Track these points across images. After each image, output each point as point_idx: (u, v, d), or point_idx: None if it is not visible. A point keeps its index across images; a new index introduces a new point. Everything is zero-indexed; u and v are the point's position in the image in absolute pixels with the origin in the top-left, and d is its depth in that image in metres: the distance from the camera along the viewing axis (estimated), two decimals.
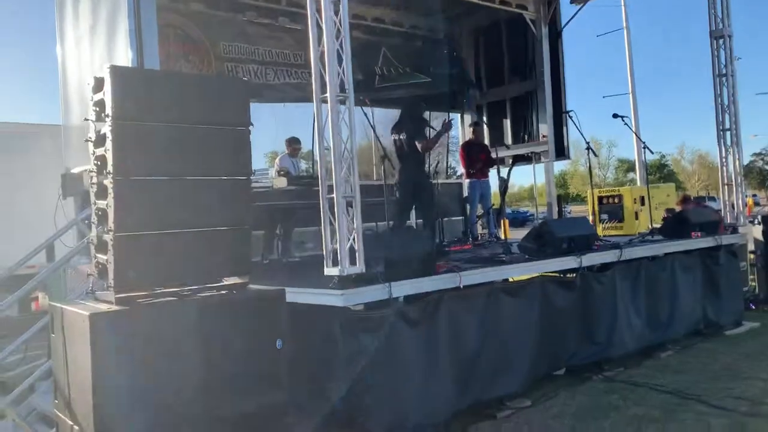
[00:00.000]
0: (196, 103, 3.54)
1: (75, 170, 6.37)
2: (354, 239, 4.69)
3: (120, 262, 3.24)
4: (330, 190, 4.67)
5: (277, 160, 8.39)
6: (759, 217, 9.29)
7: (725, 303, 7.86)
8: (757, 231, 9.16)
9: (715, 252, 7.86)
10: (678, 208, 8.66)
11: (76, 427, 3.29)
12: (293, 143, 8.44)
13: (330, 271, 4.71)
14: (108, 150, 3.28)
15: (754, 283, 9.38)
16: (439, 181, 9.68)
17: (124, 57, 5.77)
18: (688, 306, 7.44)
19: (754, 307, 8.92)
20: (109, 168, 3.27)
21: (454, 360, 5.16)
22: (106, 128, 3.30)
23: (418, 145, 7.26)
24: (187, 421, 3.26)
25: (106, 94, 3.29)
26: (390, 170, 6.86)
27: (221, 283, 3.65)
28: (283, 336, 3.68)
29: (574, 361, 6.23)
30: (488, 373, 5.39)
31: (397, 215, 7.39)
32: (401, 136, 7.37)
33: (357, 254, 4.70)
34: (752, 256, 9.32)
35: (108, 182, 3.29)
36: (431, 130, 7.89)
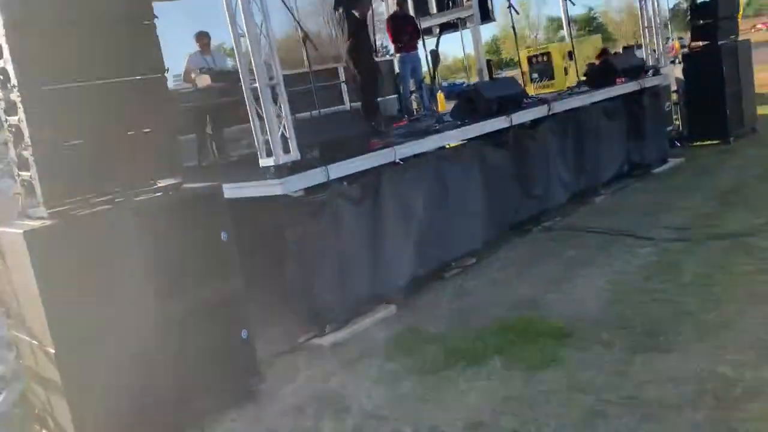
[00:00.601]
0: (93, 3, 3.34)
1: None
2: (284, 127, 4.67)
3: (44, 176, 3.18)
4: (252, 79, 4.58)
5: (185, 61, 7.64)
6: (680, 56, 9.52)
7: (651, 143, 8.23)
8: (679, 70, 9.44)
9: (639, 95, 8.12)
10: (597, 62, 8.80)
11: (35, 342, 3.36)
12: (201, 38, 7.67)
13: (265, 162, 4.71)
14: (8, 61, 3.12)
15: (678, 122, 9.79)
16: None
17: None
18: (616, 150, 7.78)
19: (679, 144, 9.38)
20: (13, 81, 3.12)
21: (402, 230, 5.34)
22: (3, 39, 3.11)
23: (356, 13, 7.15)
24: (143, 318, 3.35)
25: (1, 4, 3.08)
26: (312, 51, 6.69)
27: (155, 186, 3.63)
28: (226, 228, 3.74)
29: (517, 218, 6.53)
30: (438, 239, 5.61)
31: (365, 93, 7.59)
32: (340, 10, 7.25)
33: (289, 141, 4.69)
34: (675, 95, 9.67)
35: (15, 96, 3.15)
36: None
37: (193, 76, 7.35)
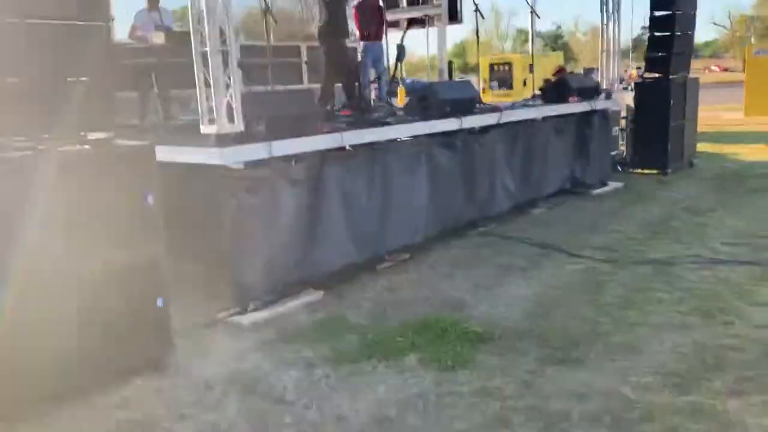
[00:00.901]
0: None
1: None
2: (231, 96, 4.56)
3: None
4: (203, 43, 4.45)
5: (133, 17, 7.28)
6: (632, 84, 9.79)
7: (594, 164, 8.44)
8: (630, 98, 9.70)
9: (589, 116, 8.30)
10: (553, 79, 8.96)
11: None
12: None
13: (207, 128, 4.60)
14: None
15: (623, 147, 10.07)
16: None
17: None
18: (561, 166, 7.95)
19: (621, 169, 9.65)
20: None
21: (340, 218, 5.30)
22: None
23: None
24: (54, 274, 3.21)
25: None
26: (272, 26, 6.56)
27: (84, 138, 3.47)
28: (153, 191, 3.61)
29: (459, 221, 6.57)
30: (375, 230, 5.60)
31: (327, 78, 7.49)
32: None
33: (235, 111, 4.59)
34: (624, 121, 9.94)
35: None
36: None
37: (139, 33, 7.10)
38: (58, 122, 3.33)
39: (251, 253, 4.65)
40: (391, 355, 3.84)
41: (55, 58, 3.26)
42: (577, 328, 4.14)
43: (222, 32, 4.47)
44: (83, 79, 3.38)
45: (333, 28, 7.45)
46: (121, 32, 7.37)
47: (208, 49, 4.37)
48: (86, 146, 3.46)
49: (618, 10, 8.73)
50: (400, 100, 10.55)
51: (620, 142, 10.09)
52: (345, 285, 5.17)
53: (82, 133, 3.48)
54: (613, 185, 8.68)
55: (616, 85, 8.94)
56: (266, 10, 6.28)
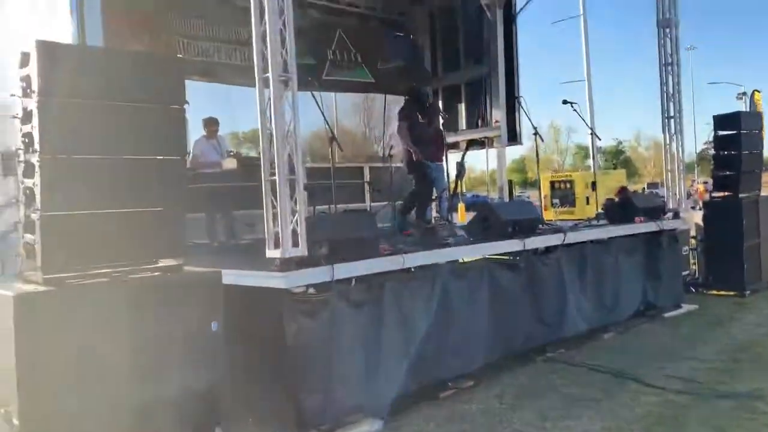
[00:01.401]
0: (129, 81, 3.46)
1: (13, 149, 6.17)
2: (297, 222, 4.67)
3: (47, 242, 3.17)
4: (272, 172, 4.64)
5: (191, 146, 7.68)
6: (700, 203, 9.56)
7: (666, 286, 8.11)
8: (699, 216, 9.44)
9: (657, 236, 8.09)
10: (616, 199, 8.87)
11: (1, 410, 3.23)
12: (211, 124, 7.85)
13: (272, 253, 4.69)
14: (34, 127, 3.20)
15: (694, 267, 9.69)
16: (394, 164, 9.70)
17: (65, 29, 5.60)
18: (630, 289, 7.65)
19: (693, 290, 9.22)
20: (36, 146, 3.18)
21: (399, 342, 5.20)
22: (33, 105, 3.21)
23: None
24: (115, 405, 3.23)
25: (32, 70, 3.20)
26: (338, 152, 6.84)
27: (155, 265, 3.60)
28: (218, 319, 3.66)
29: (527, 344, 6.34)
30: (436, 355, 5.44)
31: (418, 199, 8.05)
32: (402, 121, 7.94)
33: (299, 236, 4.68)
34: (693, 240, 9.63)
35: (35, 160, 3.21)
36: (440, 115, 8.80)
37: (201, 160, 7.50)
38: (133, 250, 3.48)
39: (310, 379, 4.57)
40: None
41: (135, 191, 3.45)
42: None
43: (290, 158, 4.66)
44: (159, 209, 3.55)
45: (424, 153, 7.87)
46: None
47: (276, 178, 4.54)
48: (157, 273, 3.58)
49: (680, 130, 8.70)
50: (461, 217, 10.63)
51: (691, 262, 9.73)
52: (405, 414, 4.98)
53: (154, 260, 3.61)
54: (686, 307, 8.27)
55: (683, 204, 8.74)
56: (332, 138, 6.57)
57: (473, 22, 10.92)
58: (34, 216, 3.22)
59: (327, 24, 10.65)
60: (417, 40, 11.89)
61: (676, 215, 8.54)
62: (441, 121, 9.73)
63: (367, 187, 10.56)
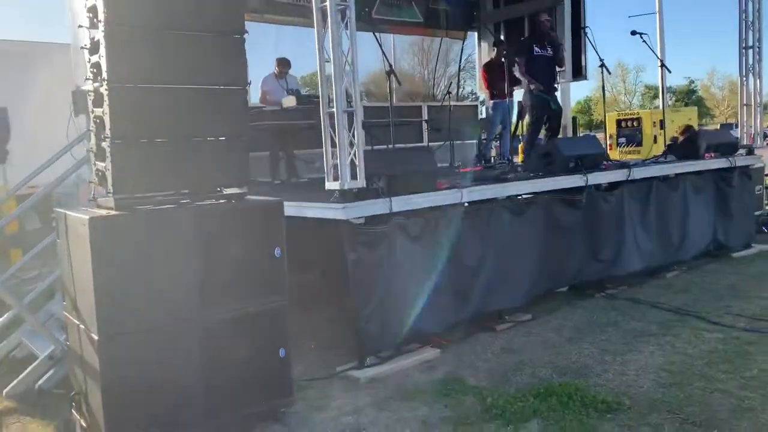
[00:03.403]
0: (189, 10, 3.49)
1: (84, 87, 6.38)
2: (355, 154, 4.70)
3: (118, 168, 3.30)
4: (331, 104, 4.66)
5: (260, 82, 7.93)
6: None
7: (736, 225, 7.81)
8: None
9: (728, 173, 7.75)
10: (680, 138, 8.49)
11: (81, 326, 3.46)
12: (281, 65, 7.97)
13: (331, 185, 4.76)
14: (102, 56, 3.28)
15: None
16: (452, 103, 9.55)
17: None
18: (698, 228, 7.40)
19: (766, 230, 8.86)
20: (104, 75, 3.28)
21: (455, 273, 5.24)
22: (99, 35, 3.29)
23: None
24: (185, 321, 3.39)
25: (98, 0, 3.27)
26: (395, 86, 6.76)
27: (220, 193, 3.71)
28: (281, 245, 3.76)
29: (578, 279, 6.30)
30: (490, 287, 5.47)
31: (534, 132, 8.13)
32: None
33: (358, 169, 4.72)
34: None
35: (104, 89, 3.31)
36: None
37: (269, 98, 7.58)
38: (199, 178, 3.59)
39: (370, 307, 4.68)
40: (511, 421, 3.66)
41: (198, 119, 3.53)
42: (718, 403, 3.76)
43: (348, 94, 4.66)
44: (222, 138, 3.63)
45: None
46: (253, 97, 7.97)
47: (335, 110, 4.56)
48: (222, 200, 3.68)
49: (759, 61, 8.18)
50: (521, 157, 10.42)
51: (765, 201, 9.31)
52: (463, 343, 5.07)
53: (219, 189, 3.71)
54: (757, 247, 7.97)
55: (758, 139, 8.30)
56: (390, 72, 6.50)
57: None
58: (104, 144, 3.34)
59: None
60: None
61: (750, 152, 8.14)
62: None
63: (425, 125, 10.45)
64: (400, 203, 4.82)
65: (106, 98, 3.28)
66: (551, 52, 8.08)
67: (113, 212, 3.32)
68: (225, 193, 3.74)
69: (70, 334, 3.82)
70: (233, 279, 3.57)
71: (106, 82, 3.25)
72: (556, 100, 8.39)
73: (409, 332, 4.86)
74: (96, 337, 3.24)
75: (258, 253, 3.69)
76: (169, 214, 3.44)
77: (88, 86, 3.49)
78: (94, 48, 3.38)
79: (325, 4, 4.48)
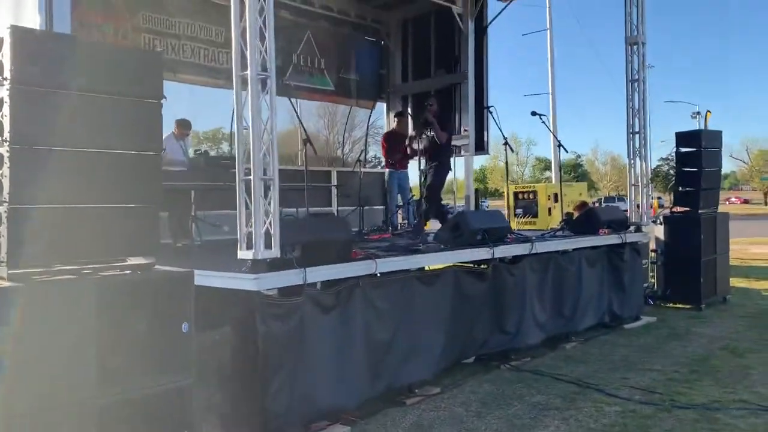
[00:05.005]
0: (105, 73, 3.34)
1: None
2: (270, 223, 4.60)
3: (14, 236, 3.03)
4: (247, 171, 4.57)
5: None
6: (661, 217, 9.81)
7: (627, 298, 8.28)
8: (659, 230, 9.68)
9: (620, 249, 8.25)
10: (575, 213, 9.05)
11: None
12: (182, 126, 7.86)
13: (244, 254, 4.61)
14: (5, 116, 3.06)
15: (653, 280, 9.92)
16: (363, 170, 9.69)
17: (32, 20, 5.43)
18: (592, 299, 7.78)
19: (652, 302, 9.45)
20: (6, 135, 3.05)
21: (366, 347, 5.18)
22: (4, 92, 3.08)
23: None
24: (81, 404, 3.10)
25: (5, 56, 3.06)
26: (312, 155, 6.78)
27: (125, 263, 3.48)
28: (189, 320, 3.56)
29: (484, 350, 6.40)
30: (400, 360, 5.44)
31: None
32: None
33: (273, 238, 4.62)
34: (653, 254, 9.86)
35: (4, 150, 3.07)
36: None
37: (167, 158, 7.40)
38: (103, 247, 3.36)
39: (277, 383, 4.49)
40: None
41: (106, 185, 3.33)
42: None
43: (267, 163, 4.59)
44: (132, 205, 3.44)
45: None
46: None
47: (251, 177, 4.47)
48: (127, 271, 3.46)
49: (645, 146, 8.91)
50: (427, 224, 10.64)
51: (650, 275, 9.96)
52: (372, 419, 4.96)
53: (124, 258, 3.49)
54: (645, 319, 8.46)
55: (644, 217, 8.95)
56: (306, 140, 6.51)
57: (445, 31, 10.99)
58: (1, 209, 3.08)
59: (298, 25, 10.59)
60: (388, 47, 11.93)
61: (638, 228, 8.73)
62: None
63: (334, 191, 10.50)
64: (315, 274, 4.74)
65: (6, 160, 3.04)
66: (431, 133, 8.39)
67: (4, 284, 3.03)
68: (130, 262, 3.53)
69: None
70: (136, 356, 3.32)
71: (7, 143, 3.02)
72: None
73: (318, 410, 4.70)
74: None
75: (164, 328, 3.47)
76: (68, 287, 3.18)
77: None
78: None
79: (246, 72, 4.45)
